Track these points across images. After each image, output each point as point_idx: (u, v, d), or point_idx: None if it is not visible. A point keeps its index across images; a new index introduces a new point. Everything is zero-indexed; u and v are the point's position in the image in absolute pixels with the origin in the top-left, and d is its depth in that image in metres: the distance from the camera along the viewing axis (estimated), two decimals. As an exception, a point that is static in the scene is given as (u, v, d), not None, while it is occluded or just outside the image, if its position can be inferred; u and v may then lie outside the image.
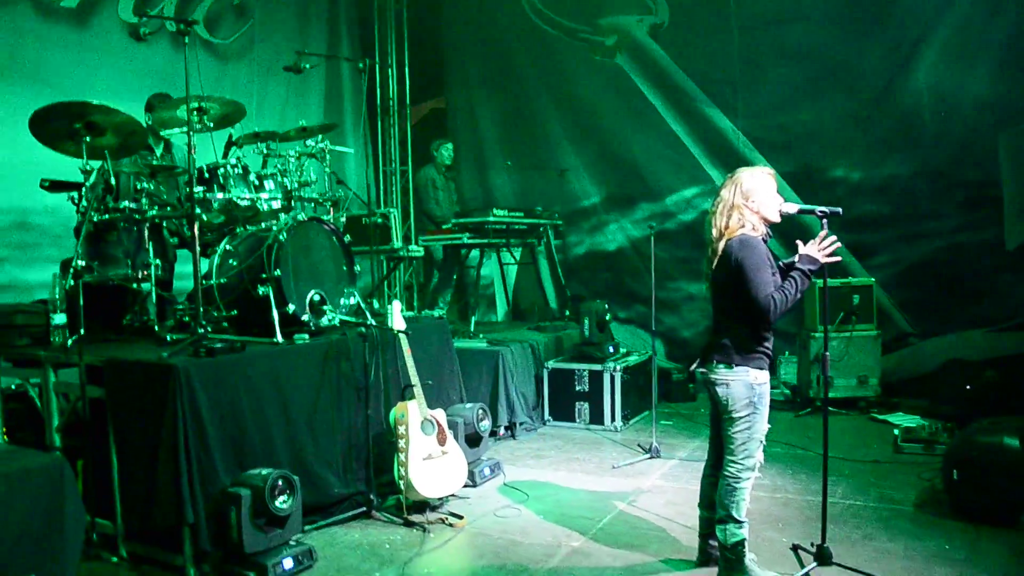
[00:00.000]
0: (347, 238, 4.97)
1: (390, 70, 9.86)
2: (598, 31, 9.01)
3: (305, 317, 4.57)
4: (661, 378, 7.35)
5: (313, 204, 5.44)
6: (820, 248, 3.53)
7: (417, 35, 10.03)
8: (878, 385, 7.09)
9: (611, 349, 6.79)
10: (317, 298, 4.63)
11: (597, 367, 6.50)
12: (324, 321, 4.65)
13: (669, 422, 6.73)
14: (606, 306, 6.88)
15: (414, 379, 4.56)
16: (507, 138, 9.63)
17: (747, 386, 3.46)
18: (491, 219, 6.72)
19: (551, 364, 6.67)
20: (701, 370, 3.64)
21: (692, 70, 8.55)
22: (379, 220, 6.22)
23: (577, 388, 6.56)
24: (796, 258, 3.58)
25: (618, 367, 6.47)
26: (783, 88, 8.13)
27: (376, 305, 5.27)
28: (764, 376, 3.50)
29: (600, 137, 9.04)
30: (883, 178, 7.84)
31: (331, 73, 9.28)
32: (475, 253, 7.55)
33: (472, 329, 6.69)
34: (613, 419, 6.49)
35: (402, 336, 4.61)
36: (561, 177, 8.29)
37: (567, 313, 8.03)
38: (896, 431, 6.04)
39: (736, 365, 3.47)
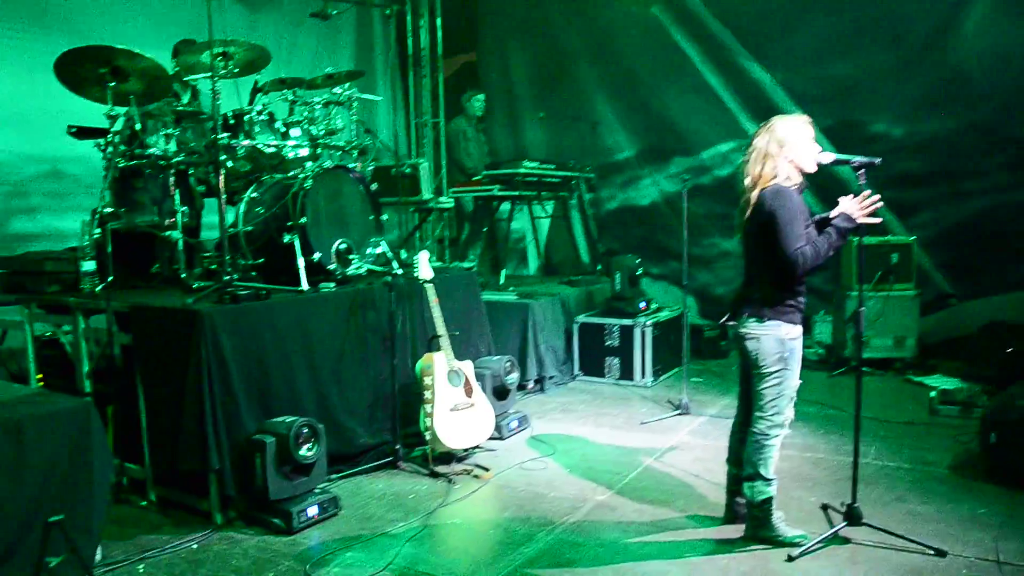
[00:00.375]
0: (374, 187, 4.91)
1: (422, 20, 9.71)
2: (635, -18, 8.78)
3: (332, 266, 4.54)
4: (693, 335, 7.26)
5: (340, 153, 5.38)
6: (861, 206, 3.40)
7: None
8: (915, 346, 6.94)
9: (642, 304, 6.70)
10: (344, 246, 4.59)
11: (628, 322, 6.43)
12: (351, 270, 4.62)
13: (700, 379, 6.65)
14: (638, 261, 6.78)
15: (441, 330, 4.52)
16: (540, 90, 9.46)
17: (777, 341, 3.37)
18: (522, 171, 6.61)
19: (581, 318, 6.61)
20: (731, 324, 3.55)
21: (730, 21, 8.29)
22: (407, 171, 6.14)
23: (607, 343, 6.49)
24: (833, 213, 3.46)
25: (649, 323, 6.39)
26: (823, 39, 7.85)
27: (404, 256, 5.21)
28: (796, 331, 3.41)
29: (635, 90, 8.84)
30: (926, 134, 7.57)
31: (362, 23, 9.17)
32: (506, 206, 7.44)
33: (502, 282, 6.63)
34: (643, 375, 6.43)
35: (428, 286, 4.56)
36: (594, 130, 8.12)
37: (599, 268, 7.93)
38: (932, 393, 5.89)
39: (767, 319, 3.38)
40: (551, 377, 6.29)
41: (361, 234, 4.81)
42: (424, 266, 4.58)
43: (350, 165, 5.10)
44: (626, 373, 6.48)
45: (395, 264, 4.79)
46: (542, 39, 9.39)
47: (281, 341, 4.10)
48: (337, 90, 5.45)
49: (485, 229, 7.61)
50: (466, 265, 6.30)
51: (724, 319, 3.58)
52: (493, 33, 9.81)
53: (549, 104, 9.22)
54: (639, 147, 8.88)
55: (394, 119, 9.35)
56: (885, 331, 6.85)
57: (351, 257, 4.57)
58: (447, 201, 6.65)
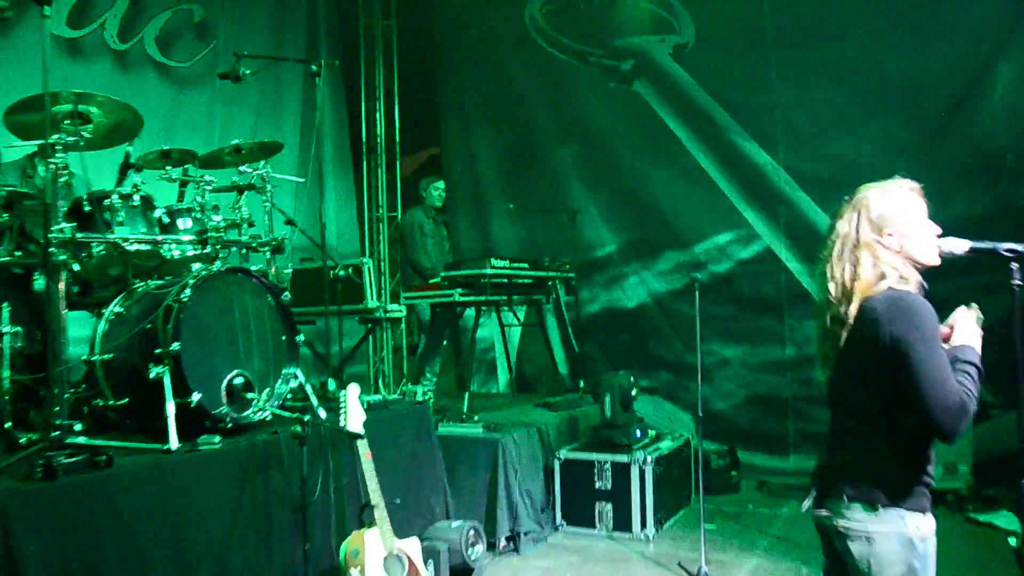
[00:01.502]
0: (287, 296, 3.65)
1: (377, 102, 8.66)
2: (613, 54, 7.79)
3: (221, 410, 3.23)
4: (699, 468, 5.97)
5: (244, 249, 4.14)
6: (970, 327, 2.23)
7: (409, 69, 8.86)
8: (969, 474, 5.70)
9: (638, 433, 5.41)
10: (239, 381, 3.29)
11: (623, 458, 5.11)
12: (249, 414, 3.30)
13: (711, 525, 5.29)
14: (632, 379, 5.52)
15: (375, 498, 3.20)
16: (509, 178, 8.36)
17: (903, 542, 2.09)
18: (488, 271, 5.39)
19: (564, 453, 5.28)
20: (822, 513, 2.25)
21: (723, 96, 7.29)
22: (342, 272, 4.90)
23: (598, 485, 5.16)
24: (956, 339, 2.26)
25: (650, 458, 5.08)
26: (828, 113, 6.85)
27: (333, 389, 3.95)
28: (928, 524, 2.14)
29: (616, 176, 7.76)
30: (953, 218, 6.27)
31: (309, 103, 8.07)
32: (470, 312, 6.21)
33: (465, 410, 5.32)
34: (644, 525, 5.07)
35: (360, 442, 3.25)
36: (572, 222, 6.97)
37: (581, 385, 6.66)
38: (1012, 541, 4.64)
39: (884, 506, 2.10)
40: (527, 532, 4.91)
41: (268, 363, 3.53)
42: (352, 410, 3.28)
43: (256, 268, 3.84)
44: (622, 523, 5.12)
45: (316, 403, 3.49)
46: (510, 120, 8.35)
47: (131, 533, 2.74)
48: (245, 168, 4.24)
49: (445, 342, 6.33)
50: (420, 391, 5.00)
51: (807, 502, 2.25)
52: (455, 114, 8.75)
53: (520, 194, 8.11)
54: (623, 241, 7.74)
55: (337, 211, 8.16)
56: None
57: (250, 396, 3.27)
58: (398, 309, 5.40)
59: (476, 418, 5.20)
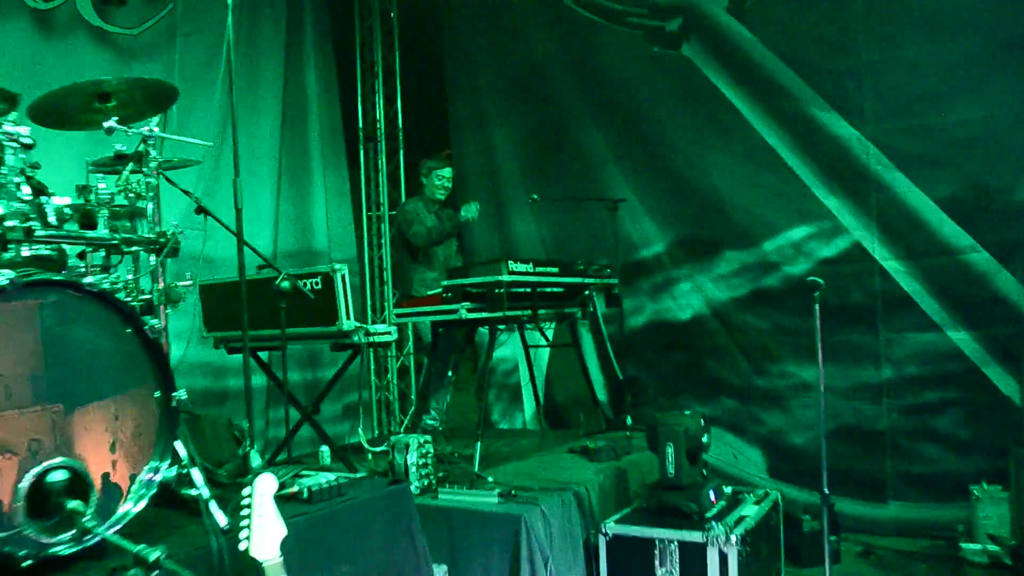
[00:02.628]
0: (153, 325, 2.29)
1: (376, 81, 7.34)
2: (656, 13, 6.39)
3: (17, 530, 1.87)
4: (785, 529, 4.55)
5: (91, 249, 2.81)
6: None
7: (412, 43, 7.54)
8: None
9: (712, 496, 3.99)
10: (59, 479, 1.94)
11: (695, 536, 3.68)
12: (71, 541, 1.94)
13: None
14: (702, 422, 4.08)
15: None
16: (532, 167, 6.98)
17: None
18: (504, 277, 4.01)
19: (612, 527, 3.86)
20: None
21: (795, 58, 5.86)
22: (285, 284, 3.52)
23: (660, 571, 3.75)
24: None
25: (734, 536, 3.64)
26: (932, 74, 5.44)
27: (258, 465, 2.58)
28: None
29: (664, 160, 6.36)
30: None
31: (293, 85, 6.76)
32: (484, 330, 4.83)
33: (477, 467, 3.95)
34: (725, 628, 3.65)
35: (270, 565, 1.88)
36: (612, 215, 5.54)
37: (628, 422, 5.24)
38: None
39: None
40: (564, 644, 3.52)
41: (119, 443, 2.15)
42: (263, 521, 1.90)
43: (95, 280, 2.47)
44: (695, 624, 3.70)
45: (208, 504, 2.12)
46: (533, 101, 6.98)
47: None
48: (111, 123, 2.91)
49: (450, 370, 4.92)
50: (412, 454, 3.59)
51: None
52: (466, 90, 7.38)
53: (546, 186, 6.73)
54: (673, 238, 6.33)
55: (328, 210, 6.84)
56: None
57: (75, 508, 1.91)
58: (384, 331, 4.03)
59: (490, 480, 3.81)
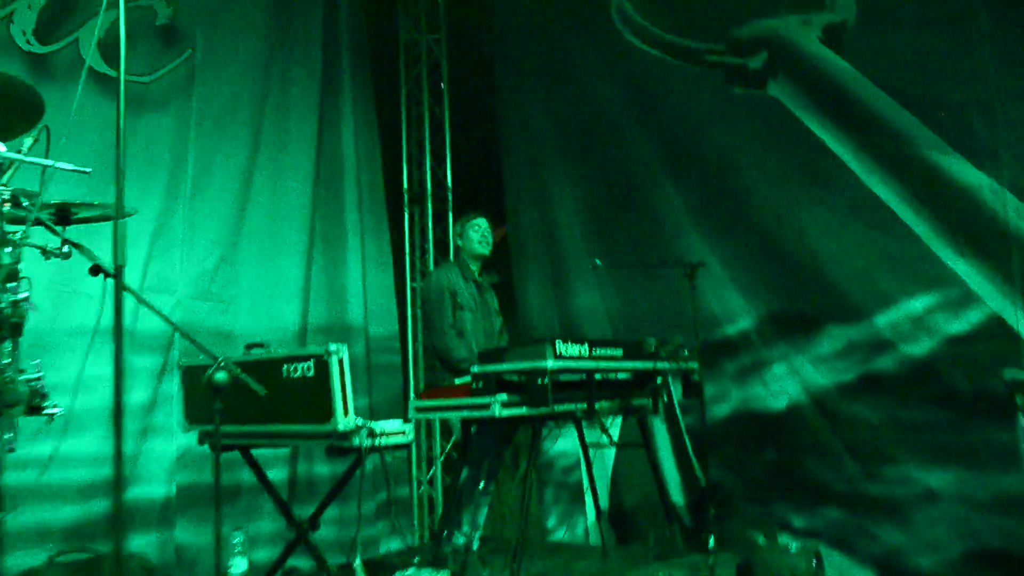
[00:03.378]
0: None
1: (424, 137, 6.62)
2: (735, 48, 5.51)
3: None
4: None
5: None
6: None
7: (463, 97, 6.83)
8: None
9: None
10: None
11: None
12: None
13: None
14: (814, 562, 3.01)
15: None
16: (597, 227, 6.09)
17: None
18: (550, 364, 3.09)
19: None
20: None
21: (906, 92, 4.87)
22: (220, 376, 2.64)
23: None
24: None
25: None
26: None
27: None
28: None
29: (749, 217, 5.40)
30: None
31: (329, 141, 6.07)
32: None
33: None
34: None
35: None
36: (690, 284, 4.54)
37: (711, 542, 4.16)
38: None
39: None
40: None
41: None
42: None
43: None
44: None
45: None
46: (597, 153, 6.14)
47: None
48: None
49: (484, 478, 3.94)
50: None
51: None
52: (522, 151, 6.59)
53: (612, 248, 5.86)
54: (764, 311, 5.31)
55: (365, 280, 6.05)
56: None
57: None
58: (396, 431, 3.12)
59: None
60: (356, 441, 2.94)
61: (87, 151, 4.55)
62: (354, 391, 5.71)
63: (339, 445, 3.02)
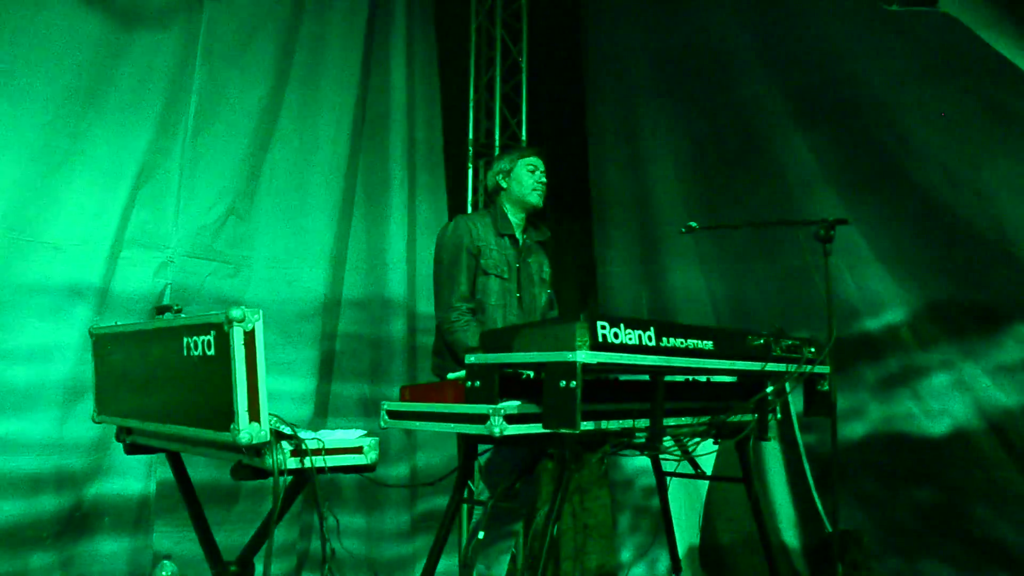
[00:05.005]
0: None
1: (493, 79, 5.50)
2: (896, -49, 4.14)
3: None
4: None
5: None
6: None
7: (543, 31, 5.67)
8: None
9: None
10: None
11: None
12: None
13: None
14: None
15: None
16: (701, 189, 4.87)
17: None
18: (581, 357, 1.88)
19: None
20: None
21: None
22: None
23: None
24: None
25: None
26: None
27: None
28: None
29: (907, 175, 4.06)
30: None
31: (376, 77, 5.03)
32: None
33: None
34: None
35: None
36: (824, 249, 3.13)
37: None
38: None
39: None
40: None
41: None
42: None
43: None
44: None
45: None
46: (706, 98, 4.90)
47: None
48: None
49: (512, 524, 2.72)
50: None
51: None
52: (611, 95, 5.36)
53: (719, 214, 4.59)
54: (923, 301, 3.99)
55: (411, 247, 5.01)
56: None
57: None
58: (348, 446, 2.00)
59: None
60: (267, 461, 1.87)
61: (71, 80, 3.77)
62: (381, 378, 4.92)
63: (249, 464, 1.95)
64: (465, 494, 2.78)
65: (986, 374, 3.73)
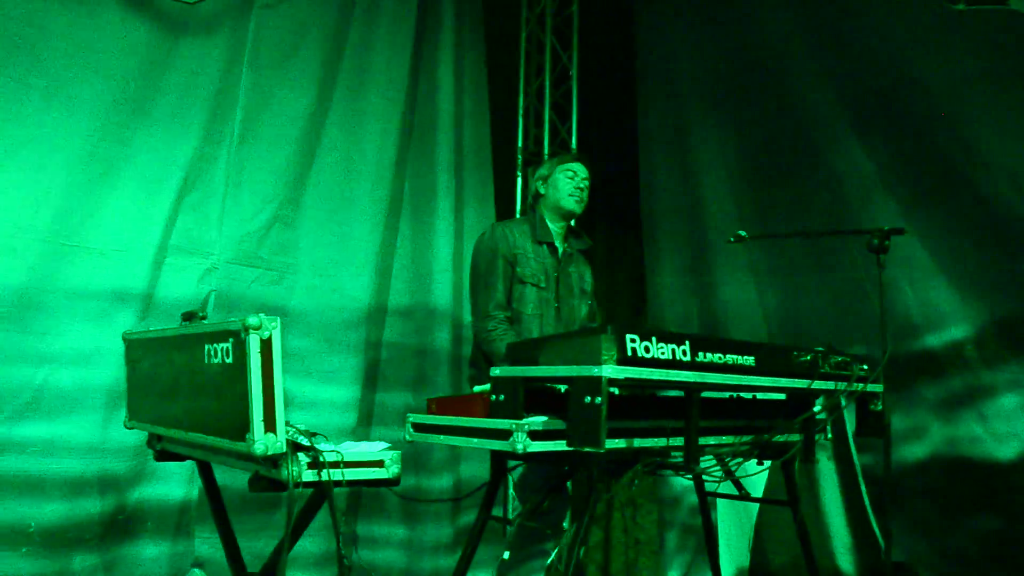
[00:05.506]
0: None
1: (544, 87, 5.43)
2: (963, -51, 3.94)
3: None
4: None
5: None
6: None
7: (593, 36, 5.59)
8: None
9: None
10: None
11: None
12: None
13: None
14: None
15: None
16: (754, 198, 4.70)
17: None
18: (607, 372, 1.78)
19: None
20: None
21: None
22: None
23: None
24: None
25: None
26: None
27: None
28: None
29: (973, 184, 3.84)
30: None
31: (424, 79, 5.00)
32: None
33: None
34: None
35: None
36: (879, 261, 2.96)
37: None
38: None
39: None
40: None
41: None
42: None
43: None
44: None
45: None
46: (764, 104, 4.75)
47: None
48: None
49: (542, 545, 2.62)
50: None
51: None
52: (661, 102, 5.23)
53: (772, 224, 4.43)
54: (988, 317, 3.75)
55: (459, 255, 4.95)
56: None
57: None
58: (368, 460, 1.93)
59: None
60: (284, 473, 1.82)
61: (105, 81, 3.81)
62: (425, 388, 4.86)
63: (266, 476, 1.90)
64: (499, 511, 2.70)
65: (1058, 396, 3.52)
